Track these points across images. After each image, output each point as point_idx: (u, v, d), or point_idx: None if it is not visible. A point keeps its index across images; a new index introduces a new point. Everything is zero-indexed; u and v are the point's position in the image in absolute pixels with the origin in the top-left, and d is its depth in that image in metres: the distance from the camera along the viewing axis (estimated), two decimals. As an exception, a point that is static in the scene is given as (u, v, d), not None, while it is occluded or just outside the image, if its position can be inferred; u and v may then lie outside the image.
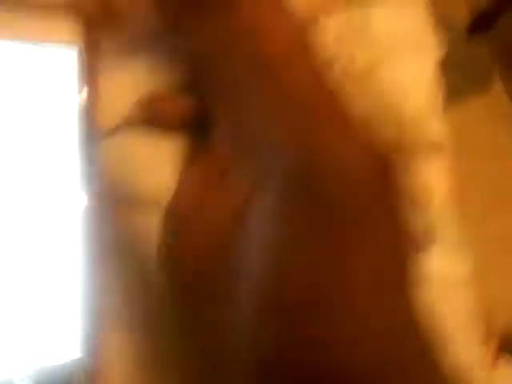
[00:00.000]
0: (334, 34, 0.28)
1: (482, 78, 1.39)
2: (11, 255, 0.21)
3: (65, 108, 0.23)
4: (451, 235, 0.32)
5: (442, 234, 0.31)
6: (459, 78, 1.31)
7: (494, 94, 1.37)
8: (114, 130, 0.24)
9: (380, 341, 0.17)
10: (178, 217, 0.20)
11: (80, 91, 0.23)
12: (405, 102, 0.30)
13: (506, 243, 1.14)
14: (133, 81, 0.24)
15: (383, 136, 0.29)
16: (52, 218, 0.22)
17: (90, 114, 0.23)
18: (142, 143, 0.25)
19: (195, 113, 0.21)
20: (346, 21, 0.28)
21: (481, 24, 1.42)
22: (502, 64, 1.42)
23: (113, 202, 0.23)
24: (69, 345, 0.21)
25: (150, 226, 0.24)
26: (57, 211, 0.22)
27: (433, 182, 0.31)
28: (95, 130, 0.23)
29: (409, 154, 0.30)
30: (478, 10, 1.42)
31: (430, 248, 0.30)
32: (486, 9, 1.40)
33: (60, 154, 0.23)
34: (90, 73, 0.23)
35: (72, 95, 0.23)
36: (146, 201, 0.24)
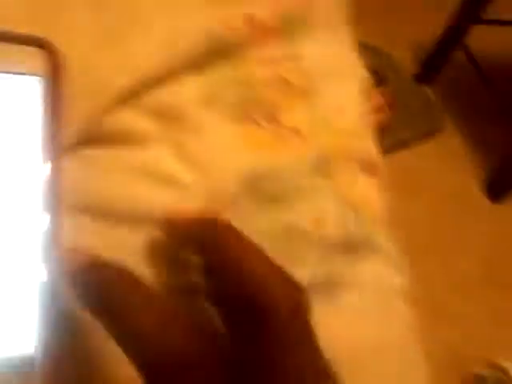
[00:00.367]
0: (269, 58, 0.32)
1: (434, 119, 1.45)
2: None
3: (28, 136, 0.24)
4: (387, 247, 0.34)
5: (377, 244, 0.33)
6: (409, 119, 1.38)
7: (444, 134, 1.44)
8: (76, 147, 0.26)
9: None
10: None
11: (44, 120, 0.25)
12: (339, 116, 0.33)
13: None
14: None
15: (326, 141, 0.32)
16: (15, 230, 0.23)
17: (54, 140, 0.24)
18: (96, 161, 0.27)
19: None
20: (280, 49, 0.32)
21: (428, 70, 1.50)
22: (450, 105, 1.49)
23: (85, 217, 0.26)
24: (22, 340, 0.22)
25: (125, 240, 0.26)
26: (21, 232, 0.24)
27: (368, 194, 0.34)
28: (59, 154, 0.24)
29: (348, 162, 0.33)
30: (424, 56, 1.51)
31: (366, 256, 0.32)
32: (432, 53, 1.48)
33: (24, 180, 0.24)
34: (54, 102, 0.25)
35: (35, 124, 0.25)
36: (119, 214, 0.27)
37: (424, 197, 1.34)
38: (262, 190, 0.30)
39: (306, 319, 0.22)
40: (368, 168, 0.35)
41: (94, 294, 0.21)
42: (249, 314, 0.21)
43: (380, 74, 1.32)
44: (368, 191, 0.35)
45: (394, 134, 1.26)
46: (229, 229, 0.23)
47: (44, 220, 0.24)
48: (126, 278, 0.21)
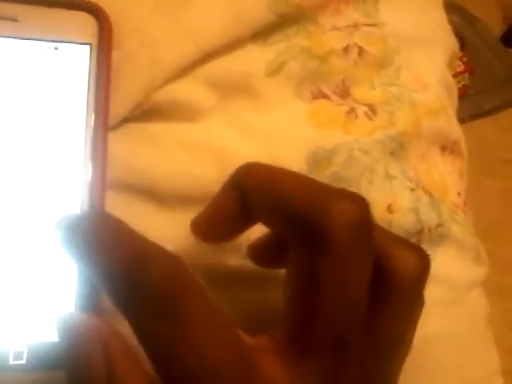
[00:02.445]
0: (345, 25, 0.29)
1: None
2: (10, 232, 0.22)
3: (77, 102, 0.24)
4: (464, 237, 0.31)
5: (454, 233, 0.30)
6: (492, 87, 1.28)
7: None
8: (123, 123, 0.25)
9: None
10: None
11: (91, 90, 0.24)
12: (422, 90, 0.30)
13: None
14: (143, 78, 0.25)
15: (401, 118, 0.29)
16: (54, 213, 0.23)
17: (101, 106, 0.24)
18: (149, 136, 0.25)
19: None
20: (354, 15, 0.29)
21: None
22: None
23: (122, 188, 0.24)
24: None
25: (173, 221, 0.25)
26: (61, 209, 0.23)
27: (447, 178, 0.31)
28: (105, 121, 0.24)
29: (425, 142, 0.30)
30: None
31: (441, 243, 0.29)
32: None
33: (70, 151, 0.24)
34: (102, 71, 0.24)
35: (84, 90, 0.24)
36: (161, 189, 0.25)
37: (503, 172, 1.25)
38: (330, 170, 0.27)
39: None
40: (450, 149, 0.32)
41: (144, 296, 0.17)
42: (310, 237, 0.18)
43: (460, 35, 1.23)
44: (447, 174, 0.32)
45: (473, 104, 1.18)
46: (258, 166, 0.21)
47: (87, 196, 0.23)
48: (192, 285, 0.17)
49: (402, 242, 0.20)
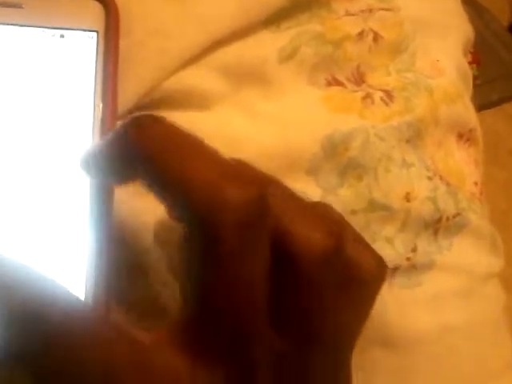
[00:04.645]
0: (359, 9, 0.28)
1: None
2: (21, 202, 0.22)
3: (84, 90, 0.23)
4: (481, 226, 0.30)
5: (472, 223, 0.29)
6: (500, 77, 1.27)
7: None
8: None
9: None
10: None
11: (98, 78, 0.23)
12: (438, 76, 0.30)
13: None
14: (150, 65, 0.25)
15: (418, 104, 0.28)
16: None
17: (109, 94, 0.23)
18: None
19: None
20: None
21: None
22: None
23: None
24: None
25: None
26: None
27: (464, 166, 0.30)
28: (114, 111, 0.23)
29: (442, 129, 0.30)
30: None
31: (458, 232, 0.29)
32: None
33: (77, 139, 0.23)
34: (109, 57, 0.24)
35: (91, 78, 0.23)
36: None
37: (510, 163, 1.24)
38: (345, 156, 0.27)
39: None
40: (466, 137, 0.31)
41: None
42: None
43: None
44: (464, 163, 0.31)
45: (480, 94, 1.17)
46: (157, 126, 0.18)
47: (95, 189, 0.22)
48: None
49: (304, 215, 0.17)
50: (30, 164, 0.22)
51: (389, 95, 0.28)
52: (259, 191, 0.16)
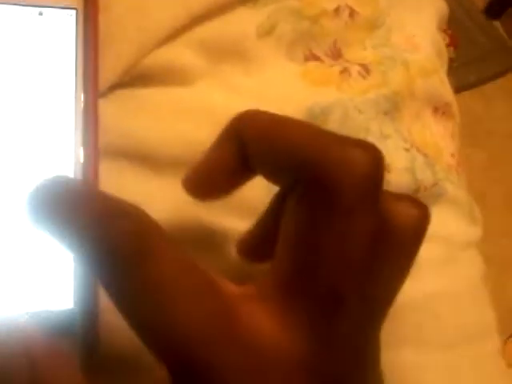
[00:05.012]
0: None
1: (504, 59, 1.36)
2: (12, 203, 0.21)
3: (64, 69, 0.23)
4: (459, 196, 0.31)
5: (449, 192, 0.30)
6: (476, 59, 1.28)
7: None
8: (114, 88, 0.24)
9: None
10: None
11: (79, 56, 0.23)
12: (413, 51, 0.30)
13: None
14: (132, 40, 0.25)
15: (394, 77, 0.29)
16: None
17: (90, 73, 0.23)
18: (140, 102, 0.25)
19: None
20: None
21: (500, 3, 1.39)
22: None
23: (114, 155, 0.24)
24: (64, 292, 0.21)
25: (166, 188, 0.24)
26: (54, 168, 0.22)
27: (440, 138, 0.31)
28: (95, 89, 0.23)
29: (418, 102, 0.30)
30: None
31: (436, 202, 0.29)
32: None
33: (58, 119, 0.23)
34: (89, 36, 0.24)
35: (71, 57, 0.23)
36: (146, 155, 0.24)
37: (488, 144, 1.26)
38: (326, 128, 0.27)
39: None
40: (441, 109, 0.32)
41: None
42: (318, 189, 0.16)
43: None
44: (440, 136, 0.31)
45: (458, 76, 1.18)
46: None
47: (79, 161, 0.22)
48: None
49: (402, 196, 0.19)
50: (13, 144, 0.22)
51: (366, 69, 0.28)
52: (378, 155, 0.16)
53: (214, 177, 0.19)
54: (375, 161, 0.16)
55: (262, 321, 0.16)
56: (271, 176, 0.18)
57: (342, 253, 0.16)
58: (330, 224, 0.16)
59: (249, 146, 0.18)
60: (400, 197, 0.19)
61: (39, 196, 0.17)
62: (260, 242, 0.21)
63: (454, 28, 1.22)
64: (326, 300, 0.16)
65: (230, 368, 0.15)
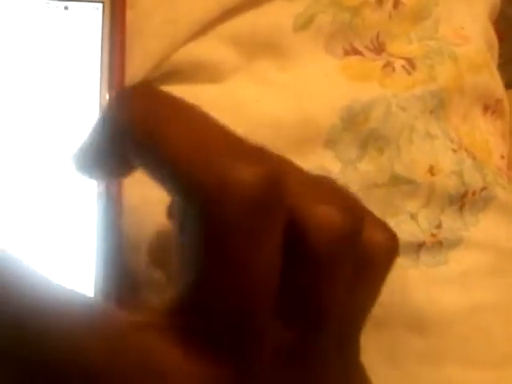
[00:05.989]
0: None
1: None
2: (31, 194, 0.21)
3: (90, 64, 0.22)
4: (510, 201, 0.29)
5: (499, 197, 0.28)
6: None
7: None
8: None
9: None
10: None
11: (105, 47, 0.23)
12: (463, 44, 0.28)
13: None
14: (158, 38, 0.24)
15: (441, 72, 0.27)
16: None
17: (116, 69, 0.22)
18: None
19: None
20: None
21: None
22: None
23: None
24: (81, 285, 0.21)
25: None
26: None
27: (490, 139, 0.29)
28: (121, 85, 0.22)
29: (467, 100, 0.28)
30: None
31: (485, 207, 0.27)
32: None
33: (83, 111, 0.22)
34: (116, 29, 0.23)
35: (97, 52, 0.22)
36: None
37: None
38: (366, 127, 0.25)
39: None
40: (492, 108, 0.30)
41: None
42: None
43: None
44: (490, 136, 0.30)
45: (503, 72, 1.14)
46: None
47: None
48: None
49: (325, 194, 0.15)
50: (35, 137, 0.22)
51: (411, 63, 0.26)
52: (271, 167, 0.14)
53: (95, 160, 0.16)
54: (264, 178, 0.13)
55: (162, 350, 0.13)
56: (155, 180, 0.15)
57: (242, 282, 0.14)
58: (224, 250, 0.13)
59: (126, 144, 0.14)
60: (322, 195, 0.16)
61: None
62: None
63: (499, 21, 1.17)
64: (230, 332, 0.14)
65: None
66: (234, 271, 0.13)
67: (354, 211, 0.15)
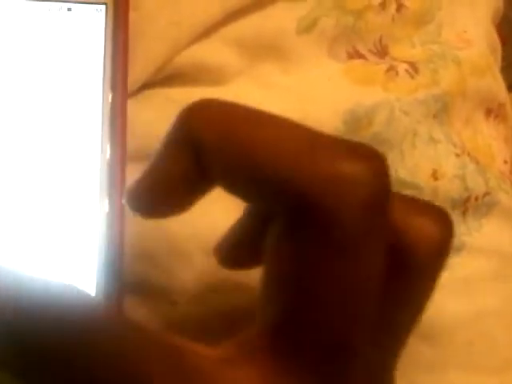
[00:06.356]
0: None
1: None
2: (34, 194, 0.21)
3: (93, 66, 0.22)
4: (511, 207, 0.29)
5: (503, 202, 0.28)
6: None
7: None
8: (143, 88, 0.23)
9: None
10: None
11: (108, 49, 0.22)
12: (465, 48, 0.28)
13: None
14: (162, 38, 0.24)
15: (445, 76, 0.27)
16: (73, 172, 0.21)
17: (119, 71, 0.22)
18: (173, 102, 0.24)
19: None
20: None
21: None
22: None
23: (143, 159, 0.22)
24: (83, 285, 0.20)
25: None
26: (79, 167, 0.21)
27: (492, 143, 0.29)
28: (124, 88, 0.22)
29: (469, 104, 0.28)
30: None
31: (488, 213, 0.27)
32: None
33: (85, 112, 0.22)
34: (119, 31, 0.23)
35: (100, 54, 0.22)
36: None
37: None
38: (369, 132, 0.25)
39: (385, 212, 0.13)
40: (495, 112, 0.29)
41: None
42: (301, 219, 0.12)
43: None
44: (493, 140, 0.29)
45: (506, 76, 1.14)
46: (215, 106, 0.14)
47: (105, 167, 0.21)
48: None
49: (421, 207, 0.15)
50: (38, 138, 0.21)
51: (414, 67, 0.26)
52: (380, 163, 0.13)
53: (163, 192, 0.15)
54: (378, 175, 0.12)
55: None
56: (240, 195, 0.14)
57: (346, 303, 0.13)
58: (329, 267, 0.12)
59: (206, 155, 0.13)
60: (419, 207, 0.15)
61: None
62: (237, 248, 0.18)
63: (502, 25, 1.17)
64: (331, 357, 0.13)
65: None
66: (338, 285, 0.12)
67: (449, 226, 0.15)
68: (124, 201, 0.16)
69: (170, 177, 0.14)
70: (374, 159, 0.13)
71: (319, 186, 0.12)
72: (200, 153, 0.13)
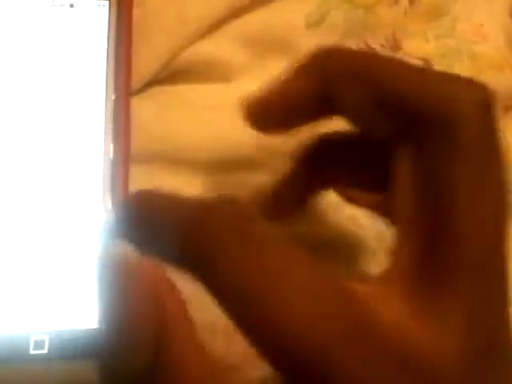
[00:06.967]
0: None
1: None
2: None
3: (95, 63, 0.22)
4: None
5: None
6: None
7: None
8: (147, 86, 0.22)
9: None
10: None
11: (111, 45, 0.22)
12: (482, 42, 0.27)
13: None
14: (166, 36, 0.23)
15: (460, 72, 0.25)
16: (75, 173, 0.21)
17: (123, 68, 0.22)
18: (179, 99, 0.23)
19: None
20: None
21: None
22: None
23: (148, 159, 0.22)
24: (89, 313, 0.19)
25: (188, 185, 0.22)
26: (81, 166, 0.21)
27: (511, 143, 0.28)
28: (127, 85, 0.21)
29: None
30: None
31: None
32: None
33: (88, 109, 0.21)
34: (122, 27, 0.22)
35: (103, 50, 0.22)
36: (183, 158, 0.22)
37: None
38: None
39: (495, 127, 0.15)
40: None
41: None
42: (433, 128, 0.14)
43: None
44: (511, 138, 0.28)
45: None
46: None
47: (109, 165, 0.21)
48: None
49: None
50: (40, 136, 0.21)
51: (428, 64, 0.25)
52: (487, 93, 0.14)
53: (284, 110, 0.17)
54: (485, 84, 0.14)
55: (401, 321, 0.12)
56: (361, 120, 0.15)
57: (481, 210, 0.13)
58: (464, 176, 0.13)
59: (338, 84, 0.15)
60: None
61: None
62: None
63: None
64: (473, 279, 0.13)
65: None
66: (487, 190, 0.13)
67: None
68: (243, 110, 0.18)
69: (294, 96, 0.16)
70: (481, 88, 0.14)
71: (442, 96, 0.14)
72: (326, 81, 0.15)
